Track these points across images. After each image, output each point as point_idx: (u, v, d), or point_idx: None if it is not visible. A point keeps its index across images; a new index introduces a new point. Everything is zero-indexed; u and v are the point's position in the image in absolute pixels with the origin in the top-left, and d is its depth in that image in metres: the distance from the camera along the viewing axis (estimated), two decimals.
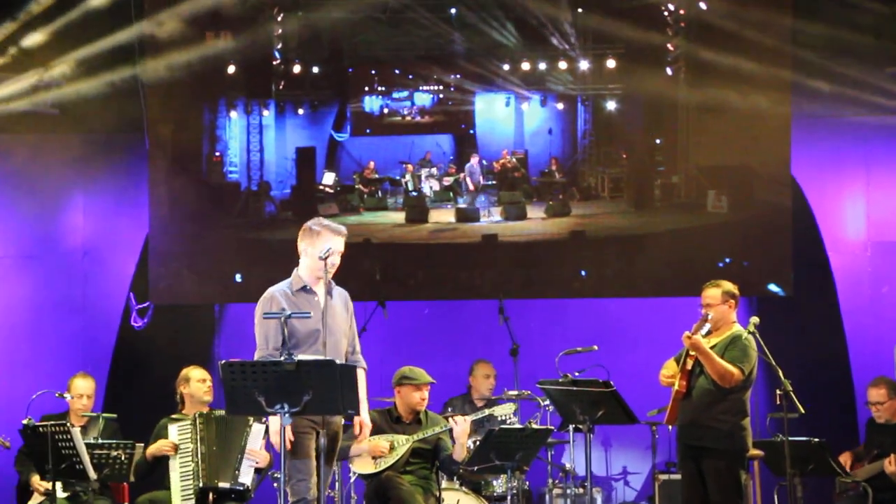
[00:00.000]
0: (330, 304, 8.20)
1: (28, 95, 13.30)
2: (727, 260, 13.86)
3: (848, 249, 13.38)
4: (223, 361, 7.54)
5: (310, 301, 8.19)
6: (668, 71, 14.20)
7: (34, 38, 13.15)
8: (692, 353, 9.25)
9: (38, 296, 13.60)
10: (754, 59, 13.29)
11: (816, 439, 10.63)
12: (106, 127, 13.58)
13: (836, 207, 13.49)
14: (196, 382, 10.69)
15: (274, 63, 14.80)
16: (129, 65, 13.39)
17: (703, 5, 13.94)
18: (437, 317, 13.96)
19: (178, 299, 13.77)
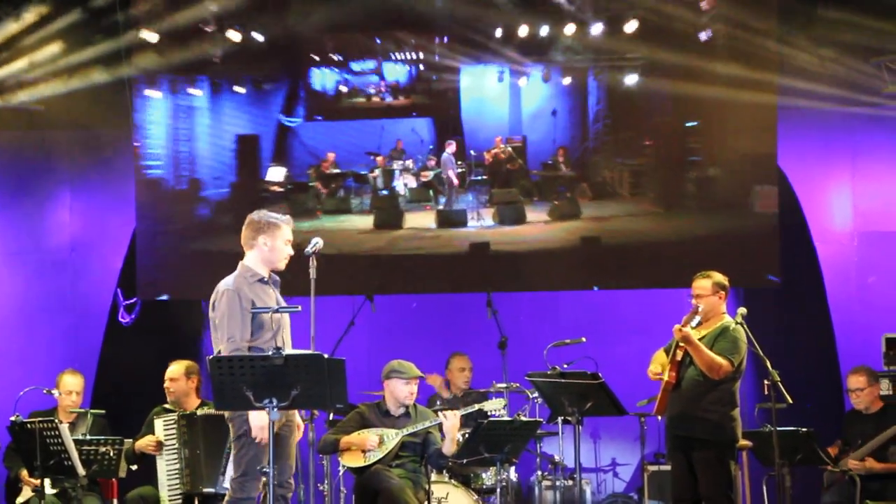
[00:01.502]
0: (279, 297, 8.26)
1: (12, 91, 13.27)
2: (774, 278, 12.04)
3: (835, 239, 13.39)
4: (211, 356, 7.54)
5: (266, 292, 8.21)
6: (702, 36, 12.14)
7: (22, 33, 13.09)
8: (682, 344, 9.28)
9: (26, 292, 13.57)
10: (740, 55, 12.99)
11: (804, 429, 10.69)
12: (91, 122, 13.54)
13: (822, 198, 13.50)
14: (166, 381, 10.68)
15: (206, 29, 12.51)
16: (114, 62, 13.30)
17: None
18: (425, 310, 13.92)
19: (165, 294, 13.71)
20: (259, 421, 7.86)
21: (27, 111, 13.44)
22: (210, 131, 12.59)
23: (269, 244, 8.21)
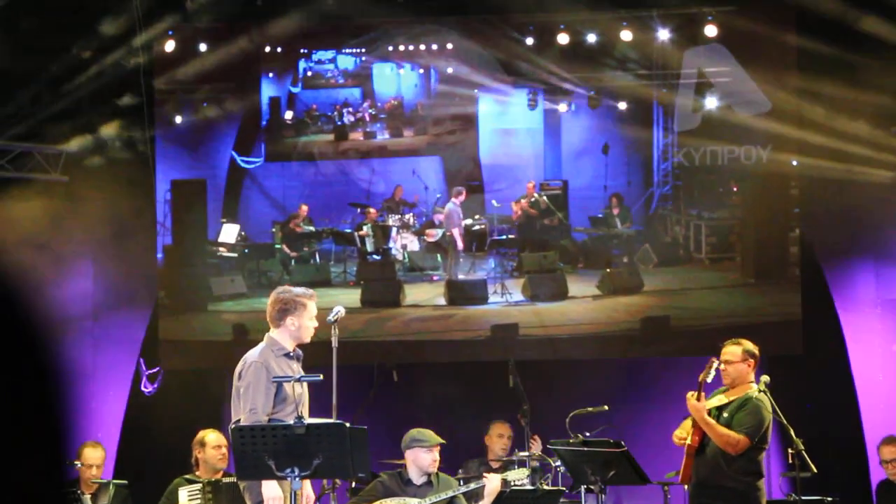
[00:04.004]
0: (300, 370, 8.23)
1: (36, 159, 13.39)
2: None
3: (858, 307, 13.37)
4: (233, 426, 7.55)
5: (291, 366, 8.21)
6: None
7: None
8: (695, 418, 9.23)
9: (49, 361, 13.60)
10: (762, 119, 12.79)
11: (829, 498, 10.65)
12: (114, 193, 13.63)
13: (845, 265, 13.48)
14: (211, 449, 10.69)
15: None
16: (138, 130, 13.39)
17: None
18: (448, 378, 13.88)
19: (187, 364, 13.70)
20: (271, 492, 7.85)
21: (51, 182, 13.55)
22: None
23: (296, 324, 8.21)
